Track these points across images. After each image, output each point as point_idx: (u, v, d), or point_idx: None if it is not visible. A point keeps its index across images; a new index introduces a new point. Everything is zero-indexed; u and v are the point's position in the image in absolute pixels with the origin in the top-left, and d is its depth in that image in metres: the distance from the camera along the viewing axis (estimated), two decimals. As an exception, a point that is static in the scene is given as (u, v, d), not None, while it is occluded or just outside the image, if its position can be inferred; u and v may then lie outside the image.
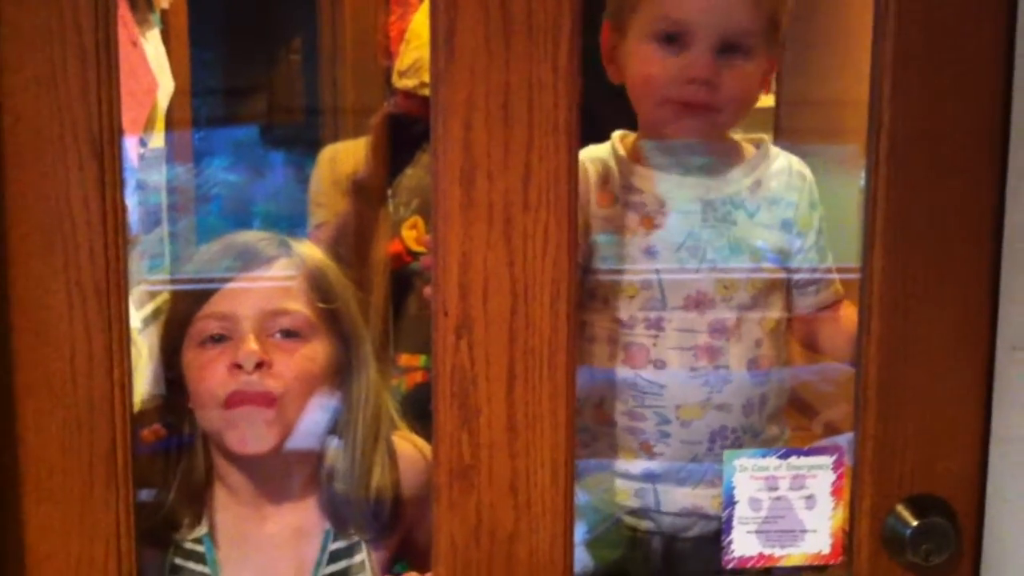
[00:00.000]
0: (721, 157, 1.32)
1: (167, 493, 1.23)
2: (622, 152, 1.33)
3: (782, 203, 1.32)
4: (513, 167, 1.00)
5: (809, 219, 1.32)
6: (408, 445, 1.29)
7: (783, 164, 1.34)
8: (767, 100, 1.66)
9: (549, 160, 1.00)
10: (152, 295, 1.68)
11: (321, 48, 2.54)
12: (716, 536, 1.13)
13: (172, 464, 1.25)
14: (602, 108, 1.29)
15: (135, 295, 1.60)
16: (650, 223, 1.28)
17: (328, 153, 2.05)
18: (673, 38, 1.23)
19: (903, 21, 1.01)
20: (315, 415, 1.22)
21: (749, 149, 1.34)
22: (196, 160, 2.19)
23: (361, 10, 2.34)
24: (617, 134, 1.35)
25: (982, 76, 1.03)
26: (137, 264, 1.79)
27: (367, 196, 1.94)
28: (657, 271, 1.28)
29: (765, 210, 1.31)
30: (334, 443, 1.25)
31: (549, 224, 1.01)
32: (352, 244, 1.91)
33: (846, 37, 1.79)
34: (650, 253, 1.28)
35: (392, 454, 1.27)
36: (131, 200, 1.75)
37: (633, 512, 1.32)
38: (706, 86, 1.23)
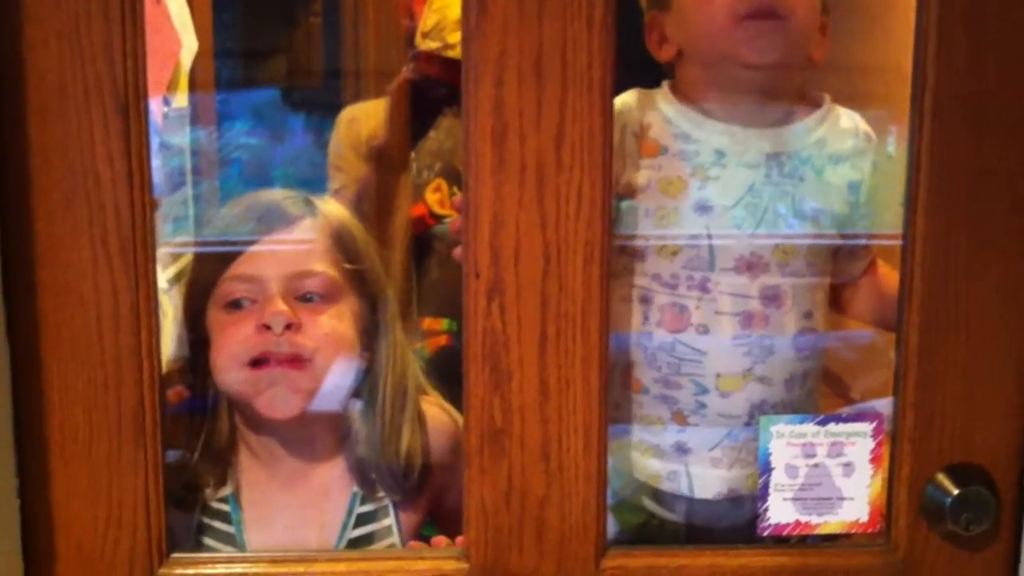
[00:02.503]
0: (788, 108, 1.27)
1: (191, 454, 1.22)
2: (675, 98, 1.27)
3: (848, 163, 1.27)
4: (546, 127, 0.98)
5: (873, 183, 1.27)
6: (437, 409, 1.28)
7: (850, 123, 1.29)
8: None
9: (583, 120, 0.98)
10: (175, 257, 1.67)
11: (342, 9, 2.52)
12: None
13: (196, 426, 1.23)
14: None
15: (159, 257, 1.58)
16: (704, 175, 1.23)
17: (347, 115, 2.02)
18: None
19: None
20: (343, 377, 1.20)
21: (813, 104, 1.29)
22: (218, 123, 2.17)
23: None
24: (667, 82, 1.30)
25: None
26: (161, 226, 1.77)
27: (386, 161, 1.91)
28: (708, 229, 1.23)
29: (831, 170, 1.26)
30: (361, 405, 1.23)
31: (583, 185, 0.99)
32: (371, 209, 1.89)
33: (872, 1, 1.75)
34: (702, 208, 1.23)
35: (421, 417, 1.25)
36: (155, 162, 1.73)
37: (661, 499, 1.29)
38: None
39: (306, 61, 2.57)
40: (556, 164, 0.99)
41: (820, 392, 1.31)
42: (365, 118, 1.98)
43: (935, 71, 1.00)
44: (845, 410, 1.27)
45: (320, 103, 2.50)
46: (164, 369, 1.26)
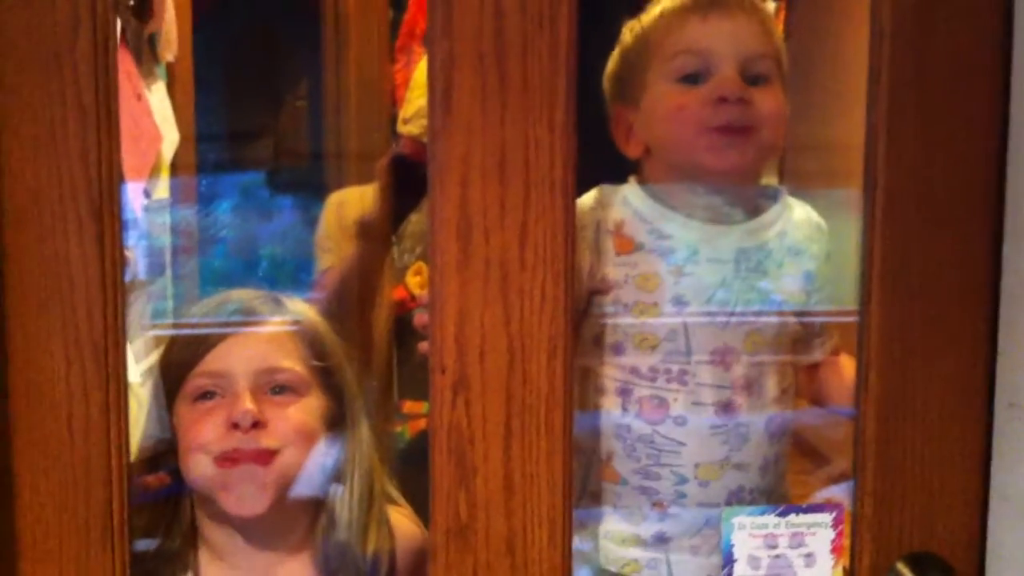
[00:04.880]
0: (749, 205, 1.30)
1: (156, 546, 1.22)
2: (646, 195, 1.30)
3: (805, 255, 1.31)
4: (510, 225, 1.01)
5: (827, 271, 1.31)
6: (407, 520, 1.29)
7: (803, 215, 1.33)
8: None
9: (545, 218, 1.01)
10: (157, 343, 1.69)
11: (326, 94, 2.56)
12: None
13: (161, 516, 1.24)
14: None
15: (138, 344, 1.60)
16: (679, 270, 1.26)
17: (335, 198, 2.06)
18: (696, 76, 1.24)
19: (896, 81, 1.02)
20: (309, 473, 1.22)
21: (771, 198, 1.32)
22: (203, 204, 2.20)
23: (365, 57, 2.36)
24: (634, 179, 1.32)
25: (976, 133, 1.03)
26: (143, 309, 1.80)
27: (374, 239, 1.94)
28: (684, 321, 1.25)
29: (789, 261, 1.30)
30: (328, 501, 1.25)
31: (546, 282, 1.02)
32: (358, 288, 1.91)
33: (849, 81, 1.80)
34: (678, 302, 1.26)
35: (389, 526, 1.26)
36: (136, 248, 1.76)
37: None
38: (739, 104, 1.22)
39: (292, 144, 2.61)
40: (520, 261, 1.01)
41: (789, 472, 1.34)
42: (353, 201, 2.02)
43: (886, 167, 1.03)
44: (825, 490, 1.29)
45: (305, 184, 2.54)
46: (140, 456, 1.28)
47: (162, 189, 1.80)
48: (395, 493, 1.31)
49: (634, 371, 1.26)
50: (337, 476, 1.24)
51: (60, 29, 0.97)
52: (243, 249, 2.26)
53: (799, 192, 1.37)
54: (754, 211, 1.30)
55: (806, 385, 1.35)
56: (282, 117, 2.61)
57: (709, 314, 1.25)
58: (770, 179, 1.41)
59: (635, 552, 1.28)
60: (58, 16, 0.97)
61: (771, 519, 1.09)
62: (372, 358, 1.78)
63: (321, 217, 2.02)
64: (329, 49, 2.44)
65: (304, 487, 1.22)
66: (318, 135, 2.57)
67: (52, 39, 0.97)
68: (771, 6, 1.52)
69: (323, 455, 1.23)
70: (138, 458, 1.29)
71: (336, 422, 1.25)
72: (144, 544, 1.22)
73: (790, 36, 1.89)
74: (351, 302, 1.77)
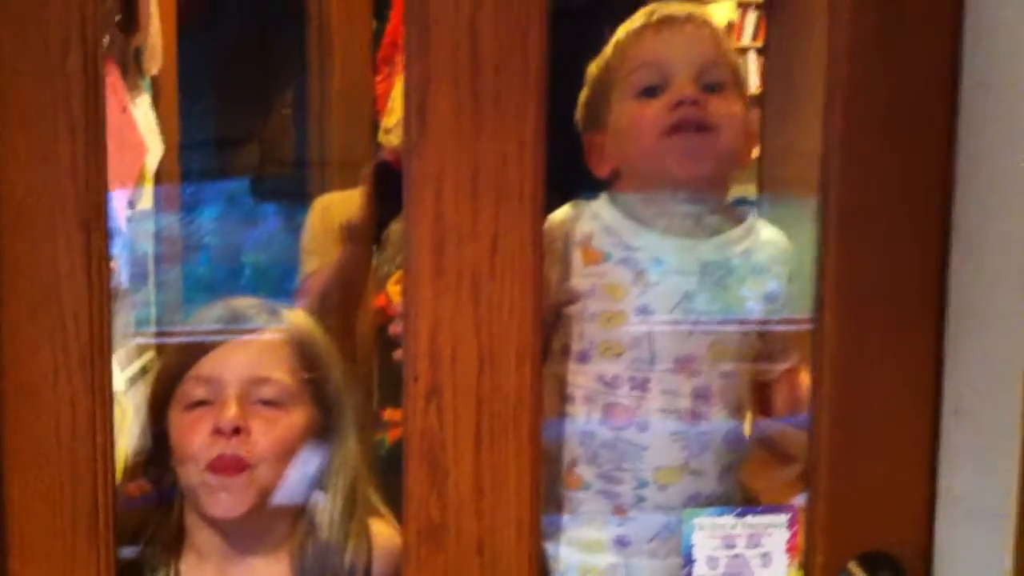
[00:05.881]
0: (717, 222, 1.35)
1: (141, 549, 1.26)
2: (615, 209, 1.35)
3: (768, 275, 1.35)
4: (481, 237, 1.05)
5: (791, 291, 1.36)
6: (388, 528, 1.31)
7: (769, 236, 1.38)
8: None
9: (515, 232, 1.06)
10: (141, 351, 1.73)
11: (310, 103, 2.60)
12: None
13: (148, 521, 1.28)
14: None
15: (121, 353, 1.64)
16: (644, 281, 1.31)
17: (321, 203, 2.09)
18: (654, 88, 1.30)
19: (850, 100, 1.07)
20: (292, 480, 1.26)
21: (739, 217, 1.38)
22: (186, 213, 2.24)
23: (348, 67, 2.40)
24: (605, 194, 1.37)
25: (926, 153, 1.08)
26: (126, 318, 1.84)
27: (358, 243, 1.97)
28: (649, 330, 1.31)
29: (752, 279, 1.35)
30: (312, 506, 1.29)
31: (514, 293, 1.06)
32: (341, 293, 1.94)
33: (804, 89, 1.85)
34: (643, 312, 1.31)
35: (368, 533, 1.29)
36: (120, 257, 1.80)
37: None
38: (694, 105, 1.28)
39: (278, 151, 2.65)
40: (490, 273, 1.06)
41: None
42: (338, 206, 2.05)
43: (839, 183, 1.08)
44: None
45: (289, 192, 2.58)
46: (128, 462, 1.32)
47: (146, 199, 1.85)
48: (377, 501, 1.34)
49: (599, 378, 1.31)
50: (321, 484, 1.28)
51: (51, 47, 1.01)
52: (226, 256, 2.29)
53: (779, 198, 1.42)
54: (721, 227, 1.35)
55: (765, 398, 1.41)
56: (267, 126, 2.65)
57: (673, 323, 1.30)
58: (748, 187, 1.46)
59: (595, 558, 1.33)
60: (49, 34, 1.01)
61: (729, 520, 1.14)
62: (354, 365, 1.81)
63: (307, 220, 2.06)
64: (313, 59, 2.48)
65: (286, 494, 1.26)
66: (302, 143, 2.61)
67: (44, 56, 1.02)
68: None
69: (308, 463, 1.27)
70: (127, 465, 1.33)
71: (324, 432, 1.29)
72: (131, 547, 1.26)
73: (771, 46, 1.94)
74: (334, 307, 1.81)
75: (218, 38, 2.32)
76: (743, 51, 5.12)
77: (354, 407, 1.32)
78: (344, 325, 1.85)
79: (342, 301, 1.92)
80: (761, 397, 1.40)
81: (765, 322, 1.35)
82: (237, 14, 2.31)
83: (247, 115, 2.60)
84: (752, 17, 5.02)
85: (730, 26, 5.13)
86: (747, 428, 1.36)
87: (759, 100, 1.71)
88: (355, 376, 1.40)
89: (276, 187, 2.64)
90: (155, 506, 1.29)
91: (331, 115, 2.52)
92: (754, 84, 1.72)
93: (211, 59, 2.33)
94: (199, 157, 2.38)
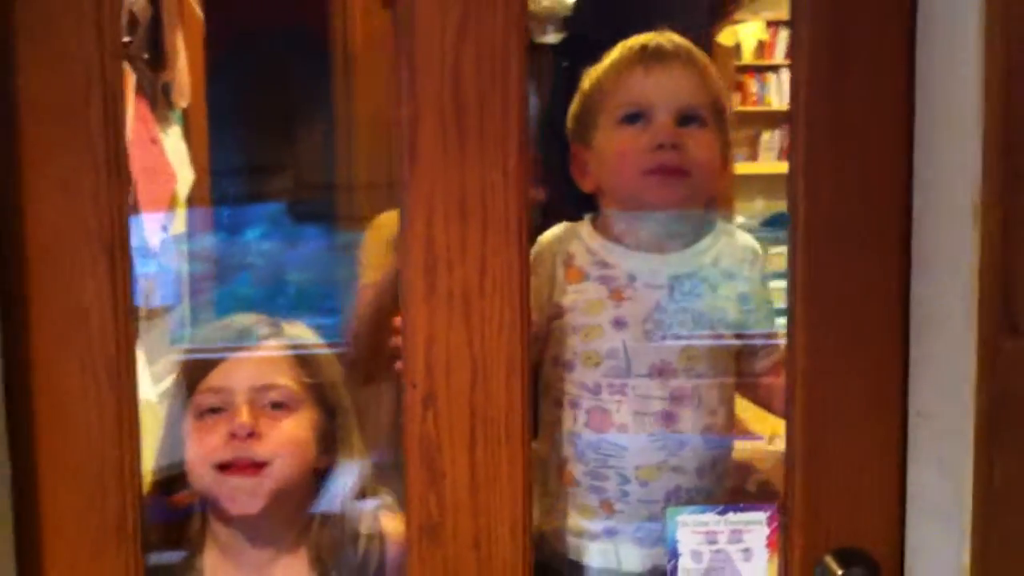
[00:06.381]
0: (686, 234, 1.46)
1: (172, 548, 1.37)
2: (594, 231, 1.46)
3: (739, 278, 1.45)
4: (470, 259, 1.14)
5: (762, 292, 1.45)
6: (395, 520, 1.41)
7: (738, 241, 1.48)
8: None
9: (501, 253, 1.14)
10: (176, 365, 1.83)
11: (337, 128, 2.71)
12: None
13: (180, 524, 1.39)
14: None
15: (158, 367, 1.75)
16: (620, 296, 1.42)
17: (378, 220, 2.20)
18: (637, 117, 1.41)
19: (812, 124, 1.14)
20: (305, 479, 1.36)
21: (707, 226, 1.48)
22: (228, 234, 2.35)
23: (372, 93, 2.50)
24: (589, 216, 1.49)
25: (885, 173, 1.15)
26: (161, 335, 1.94)
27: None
28: (624, 342, 1.41)
29: (724, 284, 1.44)
30: (324, 502, 1.39)
31: (503, 309, 1.15)
32: (392, 303, 2.03)
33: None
34: (618, 324, 1.41)
35: (378, 524, 1.39)
36: (155, 278, 1.90)
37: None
38: (673, 149, 1.39)
39: (310, 175, 2.76)
40: (480, 291, 1.15)
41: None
42: (390, 223, 2.15)
43: (805, 203, 1.16)
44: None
45: (322, 214, 2.68)
46: (166, 475, 1.42)
47: (179, 223, 1.95)
48: (389, 497, 1.44)
49: (582, 385, 1.41)
50: (331, 481, 1.38)
51: (75, 88, 1.11)
52: (268, 276, 2.40)
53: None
54: (690, 240, 1.45)
55: (757, 394, 1.49)
56: (298, 151, 2.76)
57: (645, 334, 1.39)
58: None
59: (589, 543, 1.43)
60: (74, 77, 1.11)
61: (711, 517, 1.21)
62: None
63: (365, 237, 2.16)
64: (339, 87, 2.59)
65: (300, 492, 1.36)
66: (330, 168, 2.72)
67: (68, 97, 1.11)
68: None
69: (317, 462, 1.38)
70: (161, 477, 1.43)
71: (329, 433, 1.39)
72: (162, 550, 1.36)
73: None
74: (385, 315, 1.90)
75: (245, 70, 2.42)
76: (775, 69, 5.19)
77: (354, 409, 1.41)
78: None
79: (392, 311, 2.01)
80: (754, 394, 1.49)
81: (739, 328, 1.43)
82: (263, 47, 2.41)
83: (277, 142, 2.70)
84: (784, 35, 5.09)
85: (761, 46, 5.21)
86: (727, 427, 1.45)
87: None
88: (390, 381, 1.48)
89: (312, 209, 2.74)
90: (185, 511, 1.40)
91: (357, 140, 2.63)
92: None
93: (239, 90, 2.43)
94: (231, 183, 2.49)
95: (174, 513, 1.41)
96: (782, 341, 1.46)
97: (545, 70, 2.13)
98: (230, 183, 2.47)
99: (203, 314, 2.19)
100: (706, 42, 2.15)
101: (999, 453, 1.05)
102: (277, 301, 2.33)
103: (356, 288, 2.04)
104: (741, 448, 1.54)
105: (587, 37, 2.18)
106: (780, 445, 1.38)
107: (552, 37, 2.60)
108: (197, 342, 1.46)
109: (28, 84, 1.10)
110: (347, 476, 1.39)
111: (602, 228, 1.46)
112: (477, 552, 1.17)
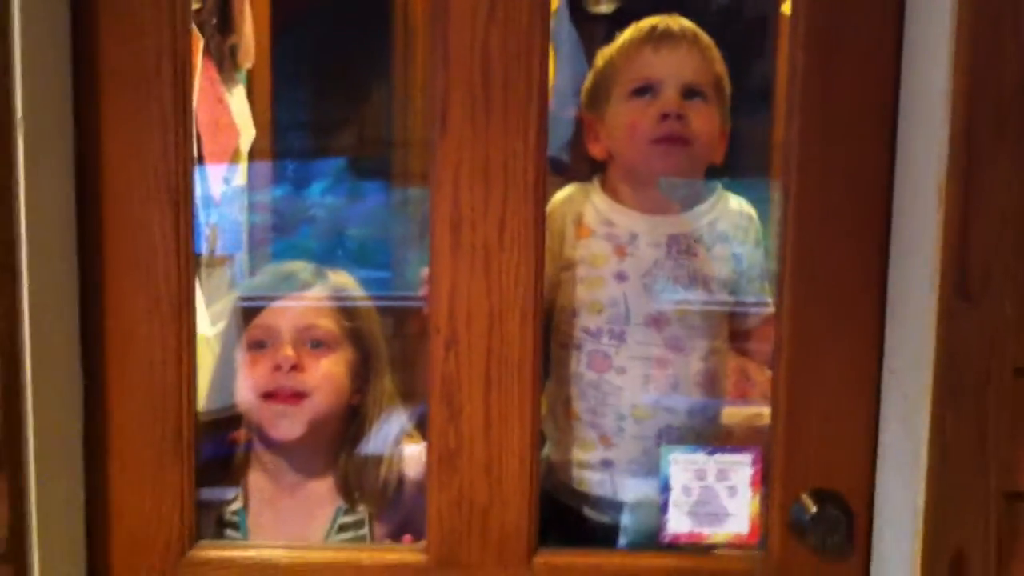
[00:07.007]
0: (685, 198, 1.60)
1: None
2: (602, 191, 1.62)
3: (734, 240, 1.59)
4: (491, 218, 1.28)
5: (754, 255, 1.58)
6: (414, 444, 1.57)
7: (734, 206, 1.62)
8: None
9: (520, 213, 1.28)
10: (232, 308, 1.99)
11: (395, 93, 2.84)
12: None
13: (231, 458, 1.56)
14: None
15: (216, 308, 1.91)
16: (622, 252, 1.56)
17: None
18: (646, 90, 1.55)
19: (805, 112, 1.26)
20: (340, 412, 1.52)
21: (707, 192, 1.62)
22: (291, 188, 2.49)
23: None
24: (597, 178, 1.64)
25: (869, 160, 1.26)
26: (221, 279, 2.10)
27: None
28: (624, 293, 1.55)
29: (719, 246, 1.59)
30: (351, 436, 1.55)
31: (520, 263, 1.29)
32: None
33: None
34: (620, 277, 1.56)
35: (399, 453, 1.55)
36: (218, 227, 2.06)
37: (594, 503, 1.59)
38: (677, 119, 1.53)
39: (372, 132, 2.89)
40: (499, 247, 1.28)
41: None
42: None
43: (795, 185, 1.27)
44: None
45: (381, 172, 2.82)
46: (230, 413, 1.59)
47: (240, 177, 2.11)
48: (411, 427, 1.59)
49: (586, 330, 1.56)
50: (361, 419, 1.54)
51: (148, 58, 1.26)
52: (324, 231, 2.54)
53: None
54: (690, 203, 1.60)
55: (748, 349, 1.63)
56: (359, 112, 2.89)
57: (644, 287, 1.54)
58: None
59: (589, 474, 1.58)
60: (147, 48, 1.26)
61: (700, 456, 1.34)
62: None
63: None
64: (398, 54, 2.72)
65: (334, 423, 1.52)
66: (388, 126, 2.85)
67: (142, 66, 1.26)
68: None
69: (351, 399, 1.53)
70: (220, 417, 1.59)
71: (363, 373, 1.54)
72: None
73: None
74: None
75: (309, 34, 2.56)
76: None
77: (387, 351, 1.57)
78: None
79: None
80: (745, 348, 1.62)
81: (712, 301, 1.57)
82: (326, 12, 2.55)
83: (339, 101, 2.84)
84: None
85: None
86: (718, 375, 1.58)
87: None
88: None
89: (373, 166, 2.88)
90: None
91: (413, 104, 2.76)
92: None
93: (303, 53, 2.57)
94: (295, 139, 2.63)
95: (231, 447, 1.58)
96: (770, 302, 1.60)
97: (598, 39, 2.24)
98: (294, 139, 2.62)
99: (263, 264, 2.34)
100: (772, 11, 2.26)
101: (950, 410, 1.17)
102: (336, 253, 2.48)
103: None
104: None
105: (639, 7, 2.30)
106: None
107: (605, 7, 2.73)
108: (251, 285, 1.62)
109: (108, 55, 1.26)
110: (373, 409, 1.55)
111: (610, 190, 1.61)
112: (489, 478, 1.31)
